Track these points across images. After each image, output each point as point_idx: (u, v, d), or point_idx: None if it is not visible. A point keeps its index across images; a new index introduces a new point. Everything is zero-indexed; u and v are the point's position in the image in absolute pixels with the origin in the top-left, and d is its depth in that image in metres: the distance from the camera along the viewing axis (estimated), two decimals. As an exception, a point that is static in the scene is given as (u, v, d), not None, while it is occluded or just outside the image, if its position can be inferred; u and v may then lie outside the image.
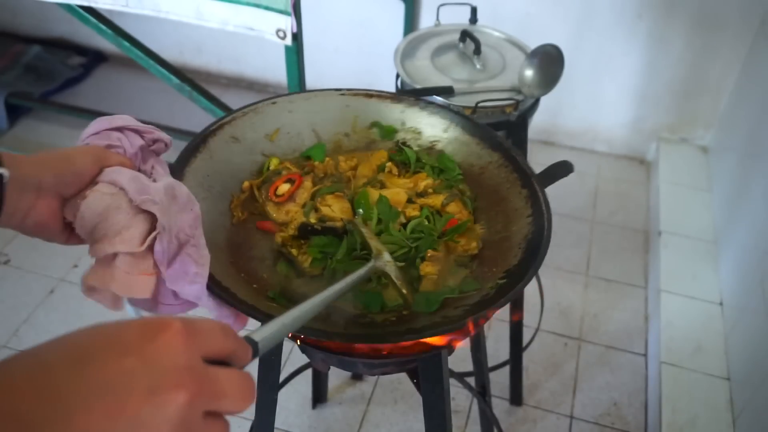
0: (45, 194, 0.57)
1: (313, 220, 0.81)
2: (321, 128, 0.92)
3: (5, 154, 0.54)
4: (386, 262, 0.72)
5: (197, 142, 0.83)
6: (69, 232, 0.62)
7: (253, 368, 1.74)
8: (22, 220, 0.57)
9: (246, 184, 0.86)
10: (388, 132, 0.93)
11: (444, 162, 0.89)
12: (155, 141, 0.70)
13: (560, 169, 0.81)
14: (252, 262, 0.78)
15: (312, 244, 0.79)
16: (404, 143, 0.92)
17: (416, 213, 0.83)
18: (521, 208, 0.78)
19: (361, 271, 0.68)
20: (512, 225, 0.78)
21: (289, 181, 0.85)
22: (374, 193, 0.84)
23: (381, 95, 0.92)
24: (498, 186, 0.83)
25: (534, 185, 0.79)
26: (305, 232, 0.79)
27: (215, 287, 0.68)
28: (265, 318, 0.66)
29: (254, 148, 0.88)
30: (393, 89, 1.12)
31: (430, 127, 0.91)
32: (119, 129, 0.66)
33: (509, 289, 0.69)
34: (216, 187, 0.83)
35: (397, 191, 0.86)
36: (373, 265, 0.70)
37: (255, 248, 0.80)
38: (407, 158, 0.90)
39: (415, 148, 0.91)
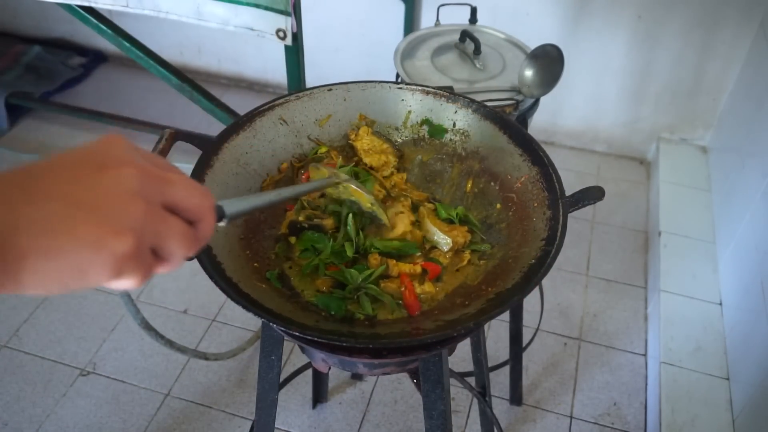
0: None
1: (301, 218, 0.82)
2: (373, 119, 0.94)
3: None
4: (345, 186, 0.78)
5: (244, 120, 0.86)
6: None
7: (253, 369, 1.74)
8: None
9: (284, 165, 0.88)
10: (438, 131, 0.93)
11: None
12: None
13: (590, 194, 0.78)
14: (265, 241, 0.81)
15: (303, 238, 0.81)
16: (435, 200, 0.91)
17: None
18: (539, 230, 0.77)
19: (320, 182, 0.75)
20: (525, 246, 0.77)
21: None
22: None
23: (437, 93, 0.93)
24: (528, 202, 0.82)
25: (559, 208, 0.77)
26: (294, 229, 0.82)
27: (207, 259, 0.70)
28: (240, 298, 0.68)
29: (301, 132, 0.91)
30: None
31: (480, 132, 0.90)
32: None
33: (489, 311, 0.69)
34: (252, 164, 0.85)
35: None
36: (334, 181, 0.77)
37: (274, 228, 0.83)
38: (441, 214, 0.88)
39: (460, 151, 0.91)
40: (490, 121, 0.90)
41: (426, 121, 0.93)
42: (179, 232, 0.43)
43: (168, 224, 0.43)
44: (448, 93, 0.93)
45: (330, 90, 0.92)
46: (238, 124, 0.85)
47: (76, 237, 0.38)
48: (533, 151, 0.85)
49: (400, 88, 0.93)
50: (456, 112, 0.92)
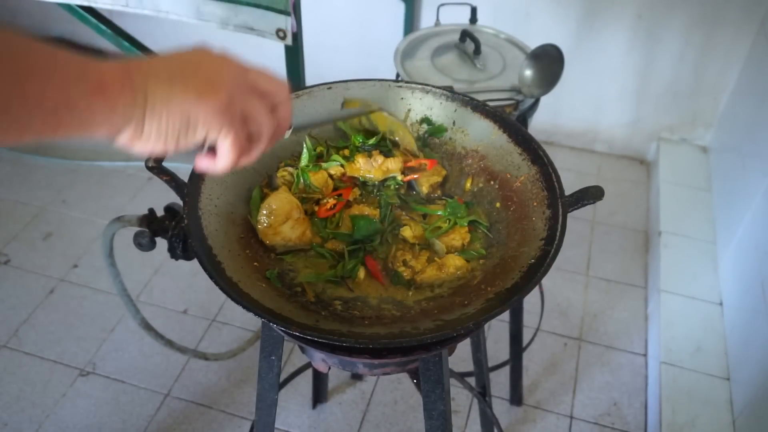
0: None
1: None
2: (373, 117, 0.93)
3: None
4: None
5: None
6: None
7: (253, 368, 1.74)
8: None
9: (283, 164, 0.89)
10: (438, 129, 0.93)
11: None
12: None
13: (589, 194, 0.78)
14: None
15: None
16: (448, 195, 0.90)
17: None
18: (539, 230, 0.77)
19: (358, 110, 0.87)
20: (524, 245, 0.77)
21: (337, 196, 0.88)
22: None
23: (437, 92, 0.92)
24: (527, 201, 0.82)
25: (558, 208, 0.77)
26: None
27: (207, 259, 0.70)
28: (240, 298, 0.68)
29: (302, 131, 0.90)
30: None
31: (479, 130, 0.90)
32: None
33: (489, 311, 0.68)
34: (253, 164, 0.85)
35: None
36: (368, 110, 0.87)
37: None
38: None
39: (459, 149, 0.91)
40: (489, 120, 0.90)
41: (425, 120, 0.93)
42: (263, 107, 0.57)
43: (253, 98, 0.56)
44: (448, 91, 0.92)
45: (330, 88, 0.92)
46: None
47: (185, 90, 0.51)
48: (533, 150, 0.85)
49: (400, 87, 0.93)
50: (455, 110, 0.92)
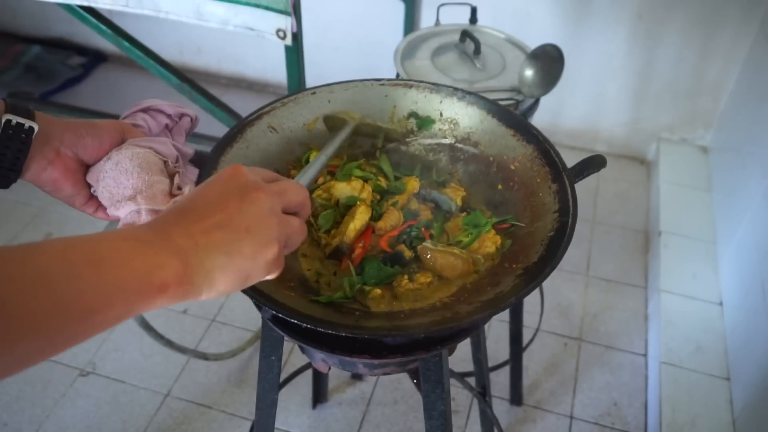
0: (64, 153, 0.66)
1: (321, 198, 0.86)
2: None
3: (37, 112, 0.63)
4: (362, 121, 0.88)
5: (235, 132, 0.86)
6: (87, 197, 0.70)
7: (253, 369, 1.73)
8: (39, 174, 0.65)
9: (292, 172, 0.89)
10: (426, 122, 0.93)
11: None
12: (181, 116, 0.76)
13: (592, 163, 0.79)
14: None
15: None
16: (470, 208, 0.89)
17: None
18: (549, 203, 0.78)
19: (347, 129, 0.85)
20: (538, 220, 0.78)
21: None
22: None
23: (420, 86, 0.93)
24: (530, 180, 0.83)
25: (564, 180, 0.78)
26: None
27: None
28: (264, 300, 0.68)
29: (291, 138, 0.90)
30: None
31: (467, 118, 0.91)
32: (145, 110, 0.72)
33: (524, 286, 0.69)
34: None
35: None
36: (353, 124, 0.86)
37: None
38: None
39: (451, 140, 0.92)
40: (476, 107, 0.91)
41: (412, 114, 0.94)
42: (298, 227, 0.57)
43: (291, 225, 0.56)
44: (431, 84, 0.93)
45: (314, 93, 0.92)
46: (230, 136, 0.85)
47: (242, 254, 0.51)
48: (525, 130, 0.86)
49: (383, 85, 0.93)
50: (441, 101, 0.92)
